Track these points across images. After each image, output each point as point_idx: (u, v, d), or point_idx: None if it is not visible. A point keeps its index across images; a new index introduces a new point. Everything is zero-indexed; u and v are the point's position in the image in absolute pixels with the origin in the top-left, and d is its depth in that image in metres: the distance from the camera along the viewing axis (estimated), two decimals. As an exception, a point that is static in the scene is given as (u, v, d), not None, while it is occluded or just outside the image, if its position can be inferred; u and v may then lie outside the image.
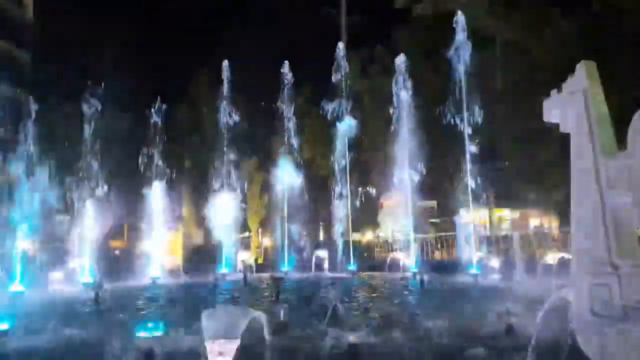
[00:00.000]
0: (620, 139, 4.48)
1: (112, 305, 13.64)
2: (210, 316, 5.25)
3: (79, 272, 21.15)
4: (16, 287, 17.52)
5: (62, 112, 31.84)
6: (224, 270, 23.73)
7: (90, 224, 24.22)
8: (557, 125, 5.18)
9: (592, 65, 4.85)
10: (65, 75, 34.24)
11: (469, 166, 24.27)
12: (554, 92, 5.15)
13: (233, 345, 5.02)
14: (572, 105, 4.82)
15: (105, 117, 25.93)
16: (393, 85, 25.95)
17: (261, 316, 5.68)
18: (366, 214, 35.84)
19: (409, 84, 25.80)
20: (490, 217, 32.06)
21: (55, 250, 27.82)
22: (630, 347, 3.94)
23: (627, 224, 4.46)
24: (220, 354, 5.06)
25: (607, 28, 24.39)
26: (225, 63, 28.57)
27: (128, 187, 34.29)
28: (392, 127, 27.07)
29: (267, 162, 36.70)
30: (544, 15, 27.38)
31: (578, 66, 4.85)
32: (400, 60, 25.75)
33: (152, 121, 27.80)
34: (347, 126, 27.28)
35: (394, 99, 26.05)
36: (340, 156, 28.38)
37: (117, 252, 36.33)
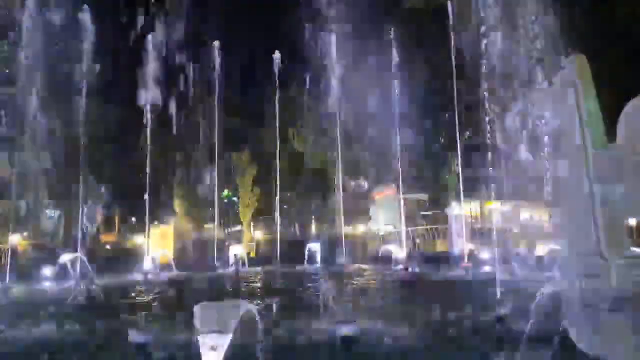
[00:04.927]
0: (611, 132, 4.51)
1: (103, 301, 13.57)
2: (202, 310, 5.24)
3: (69, 268, 20.99)
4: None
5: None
6: (215, 263, 23.71)
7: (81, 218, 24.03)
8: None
9: (583, 58, 4.86)
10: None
11: (460, 158, 24.40)
12: (544, 85, 5.16)
13: (226, 339, 5.02)
14: (563, 99, 4.83)
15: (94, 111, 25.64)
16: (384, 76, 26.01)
17: (253, 309, 5.68)
18: (358, 206, 35.88)
19: (401, 75, 25.89)
20: (481, 209, 32.21)
21: (46, 245, 27.65)
22: (621, 338, 3.98)
23: (616, 216, 4.49)
24: (213, 348, 5.05)
25: (598, 20, 24.47)
26: (216, 44, 28.15)
27: (119, 181, 34.11)
28: (384, 119, 27.14)
29: (258, 154, 36.61)
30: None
31: (569, 59, 4.86)
32: (393, 51, 25.83)
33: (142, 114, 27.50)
34: None
35: (386, 90, 26.14)
36: (332, 148, 28.40)
37: (108, 246, 36.15)
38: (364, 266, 22.85)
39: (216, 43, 28.25)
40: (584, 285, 4.38)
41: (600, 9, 25.31)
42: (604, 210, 4.45)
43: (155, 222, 29.73)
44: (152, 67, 25.66)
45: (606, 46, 23.42)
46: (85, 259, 20.44)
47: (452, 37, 23.96)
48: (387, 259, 23.52)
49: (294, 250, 26.55)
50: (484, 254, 20.99)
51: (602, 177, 4.49)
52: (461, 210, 25.80)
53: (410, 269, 18.37)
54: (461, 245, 23.13)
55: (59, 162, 29.05)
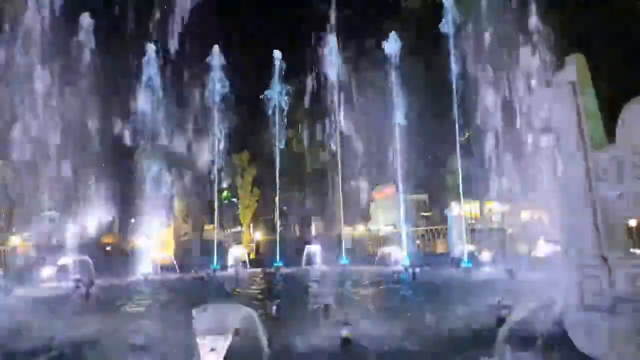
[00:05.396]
0: (611, 132, 4.49)
1: (103, 302, 13.55)
2: (201, 313, 5.22)
3: (70, 269, 20.94)
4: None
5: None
6: (216, 265, 23.67)
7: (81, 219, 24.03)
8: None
9: (581, 58, 4.84)
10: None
11: (459, 159, 24.38)
12: (542, 85, 5.15)
13: (224, 342, 5.00)
14: (561, 99, 4.82)
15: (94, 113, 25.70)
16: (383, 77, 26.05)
17: (253, 313, 5.66)
18: (357, 207, 35.87)
19: (400, 76, 25.90)
20: (481, 209, 32.20)
21: (46, 247, 27.58)
22: (620, 338, 3.96)
23: (616, 216, 4.47)
24: (212, 350, 5.03)
25: (598, 20, 24.44)
26: (215, 49, 28.24)
27: (119, 182, 34.03)
28: (383, 120, 27.14)
29: (258, 156, 36.61)
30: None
31: (567, 59, 4.84)
32: (392, 52, 25.86)
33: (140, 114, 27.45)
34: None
35: (385, 91, 26.16)
36: (332, 150, 28.40)
37: (108, 248, 36.09)
38: (363, 267, 22.82)
39: (215, 46, 28.37)
40: (584, 286, 4.37)
41: (600, 9, 25.27)
42: (604, 211, 4.43)
43: (156, 224, 29.65)
44: (151, 69, 25.75)
45: (606, 46, 23.37)
46: (89, 261, 20.43)
47: (452, 36, 23.97)
48: (387, 260, 23.51)
49: (294, 251, 26.54)
50: (484, 255, 20.97)
51: (601, 177, 4.47)
52: (461, 210, 25.76)
53: (410, 270, 18.33)
54: (461, 246, 23.09)
55: (59, 164, 29.00)
